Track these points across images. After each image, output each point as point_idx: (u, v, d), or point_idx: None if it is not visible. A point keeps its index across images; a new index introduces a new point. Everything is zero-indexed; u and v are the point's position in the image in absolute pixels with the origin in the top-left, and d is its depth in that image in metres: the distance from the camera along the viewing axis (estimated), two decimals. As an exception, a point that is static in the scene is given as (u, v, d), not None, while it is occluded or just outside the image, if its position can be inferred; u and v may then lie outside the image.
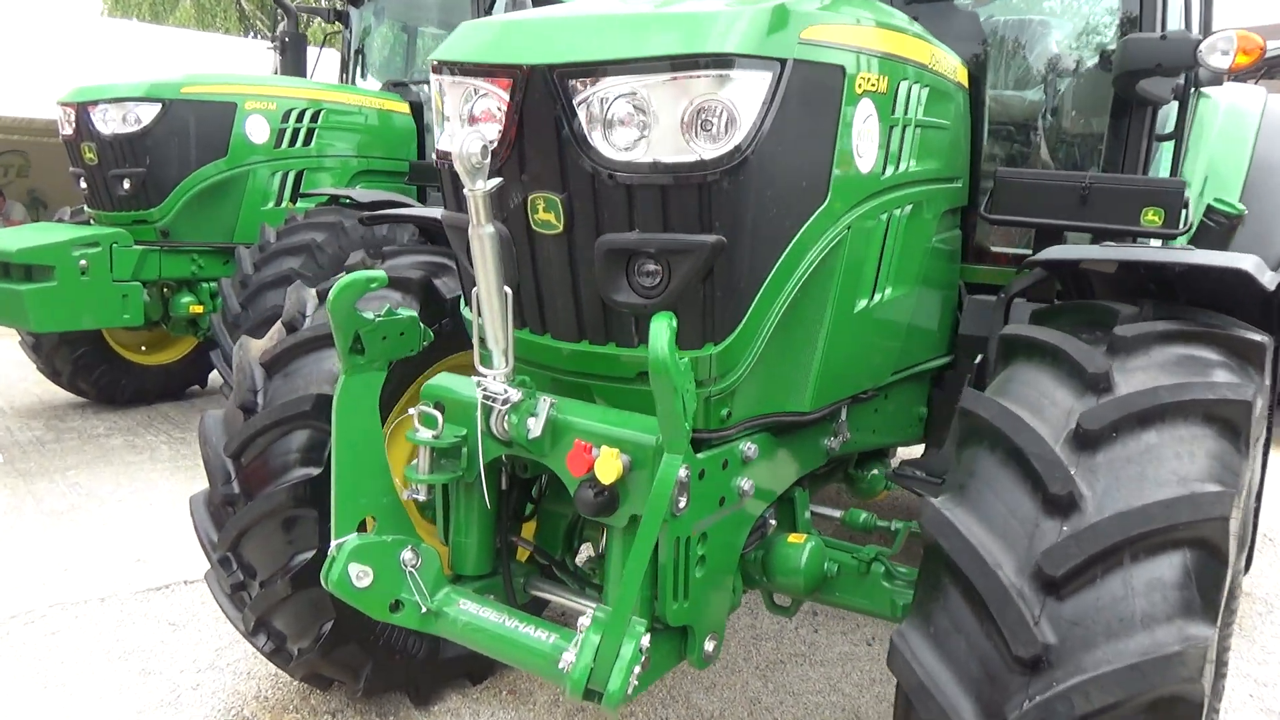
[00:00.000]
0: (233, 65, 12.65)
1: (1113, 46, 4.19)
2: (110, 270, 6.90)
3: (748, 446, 2.64)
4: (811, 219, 2.59)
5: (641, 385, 2.54)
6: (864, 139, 2.78)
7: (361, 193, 7.26)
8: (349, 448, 2.66)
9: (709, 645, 2.67)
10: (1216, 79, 4.05)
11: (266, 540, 3.31)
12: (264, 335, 6.30)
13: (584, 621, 2.32)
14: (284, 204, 7.77)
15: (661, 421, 2.12)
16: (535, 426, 2.41)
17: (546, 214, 2.42)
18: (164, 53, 15.55)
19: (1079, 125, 4.60)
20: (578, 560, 3.24)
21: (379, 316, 2.67)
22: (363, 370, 2.68)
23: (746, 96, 2.25)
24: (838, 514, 3.34)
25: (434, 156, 2.72)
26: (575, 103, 2.30)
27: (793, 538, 2.95)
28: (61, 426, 7.68)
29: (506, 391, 2.40)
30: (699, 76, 2.22)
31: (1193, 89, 4.00)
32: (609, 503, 2.35)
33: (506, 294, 2.37)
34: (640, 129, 2.27)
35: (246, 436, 3.29)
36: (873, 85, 2.76)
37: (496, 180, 2.29)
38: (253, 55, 14.67)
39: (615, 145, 2.30)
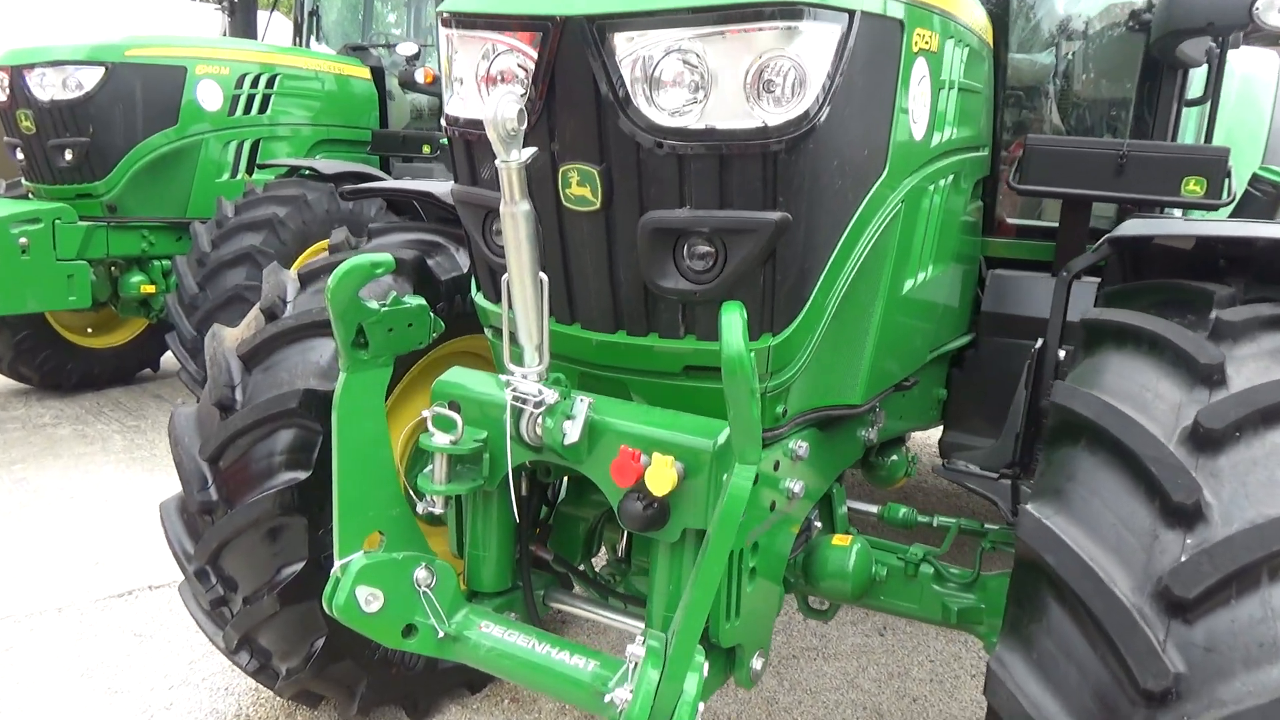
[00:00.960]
0: (179, 28, 11.98)
1: (1140, 4, 3.97)
2: (54, 249, 6.40)
3: (798, 445, 2.39)
4: (871, 192, 2.33)
5: (687, 381, 2.27)
6: (918, 102, 2.52)
7: (325, 164, 6.86)
8: (353, 455, 2.35)
9: (757, 664, 2.43)
10: (1271, 39, 3.84)
11: (250, 552, 2.99)
12: (229, 318, 5.92)
13: (634, 650, 2.05)
14: (240, 176, 7.31)
15: (734, 426, 1.84)
16: (573, 431, 2.12)
17: (581, 188, 2.13)
18: (103, 12, 14.65)
19: (1095, 90, 4.39)
20: (595, 566, 2.98)
21: (384, 305, 2.35)
22: (367, 366, 2.36)
23: (816, 52, 1.97)
24: (874, 509, 3.11)
25: (442, 123, 2.40)
26: (617, 60, 1.99)
27: (837, 539, 2.71)
28: (3, 416, 7.19)
29: (541, 393, 2.11)
30: (763, 29, 1.93)
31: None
32: (659, 516, 2.09)
33: (542, 281, 2.07)
34: (693, 90, 1.98)
35: (225, 438, 2.95)
36: (926, 43, 2.50)
37: (531, 150, 1.98)
38: (199, 18, 13.91)
39: (664, 109, 2.01)
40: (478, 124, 2.24)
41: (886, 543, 2.84)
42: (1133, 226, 2.41)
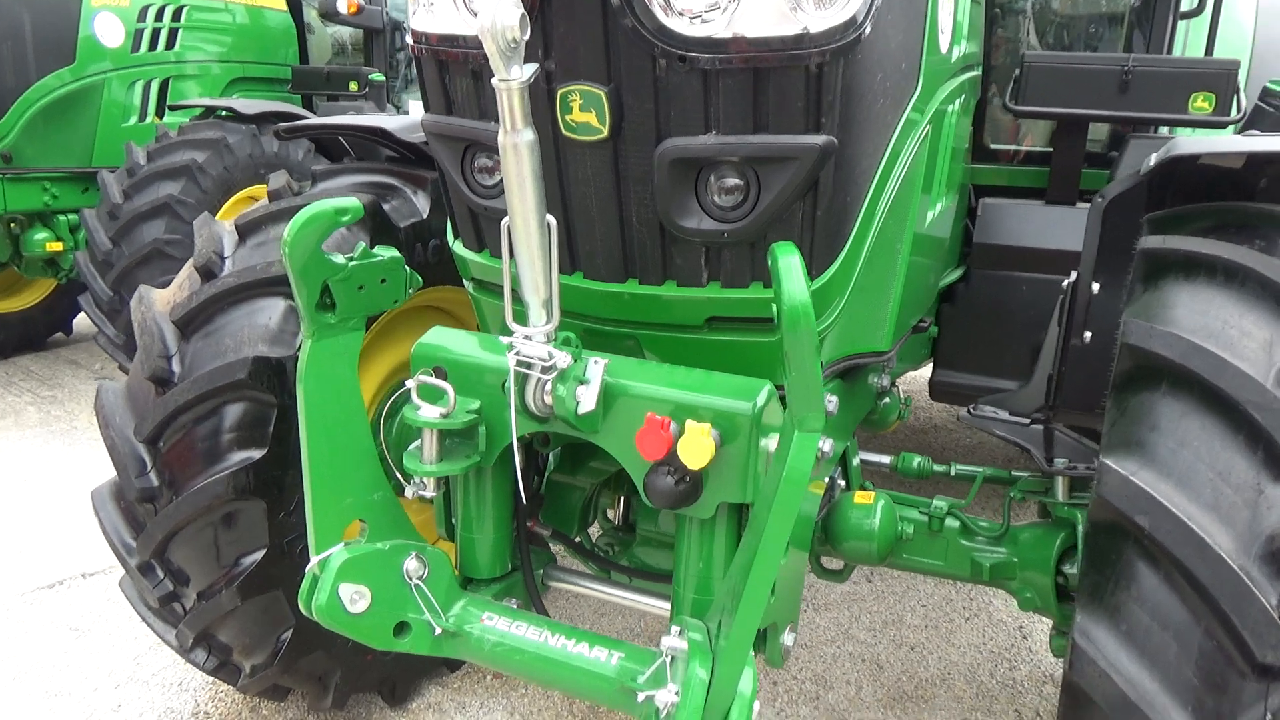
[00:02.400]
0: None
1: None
2: (-58, 206, 5.79)
3: (829, 400, 2.14)
4: (906, 112, 2.07)
5: (709, 334, 2.00)
6: (944, 12, 2.26)
7: (245, 103, 6.32)
8: (325, 435, 2.03)
9: (788, 639, 2.21)
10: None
11: (202, 541, 2.65)
12: (148, 276, 5.42)
13: (672, 644, 1.80)
14: (149, 119, 6.71)
15: (796, 387, 1.58)
16: (587, 398, 1.83)
17: (584, 114, 1.81)
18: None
19: (1085, 4, 4.17)
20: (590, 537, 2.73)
21: (352, 259, 2.02)
22: (334, 331, 2.03)
23: (864, -57, 1.68)
24: (886, 460, 2.90)
25: (408, 40, 2.04)
26: None
27: (860, 497, 2.49)
28: (-100, 391, 6.57)
29: (551, 356, 1.81)
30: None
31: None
32: (692, 491, 1.82)
33: (550, 225, 1.76)
34: (720, -9, 1.67)
35: (164, 416, 2.59)
36: (951, -56, 2.23)
37: (534, 67, 1.65)
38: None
39: (683, 15, 1.70)
40: (454, 40, 1.90)
41: (908, 497, 2.64)
42: (1185, 145, 2.19)
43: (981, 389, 3.61)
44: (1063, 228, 3.41)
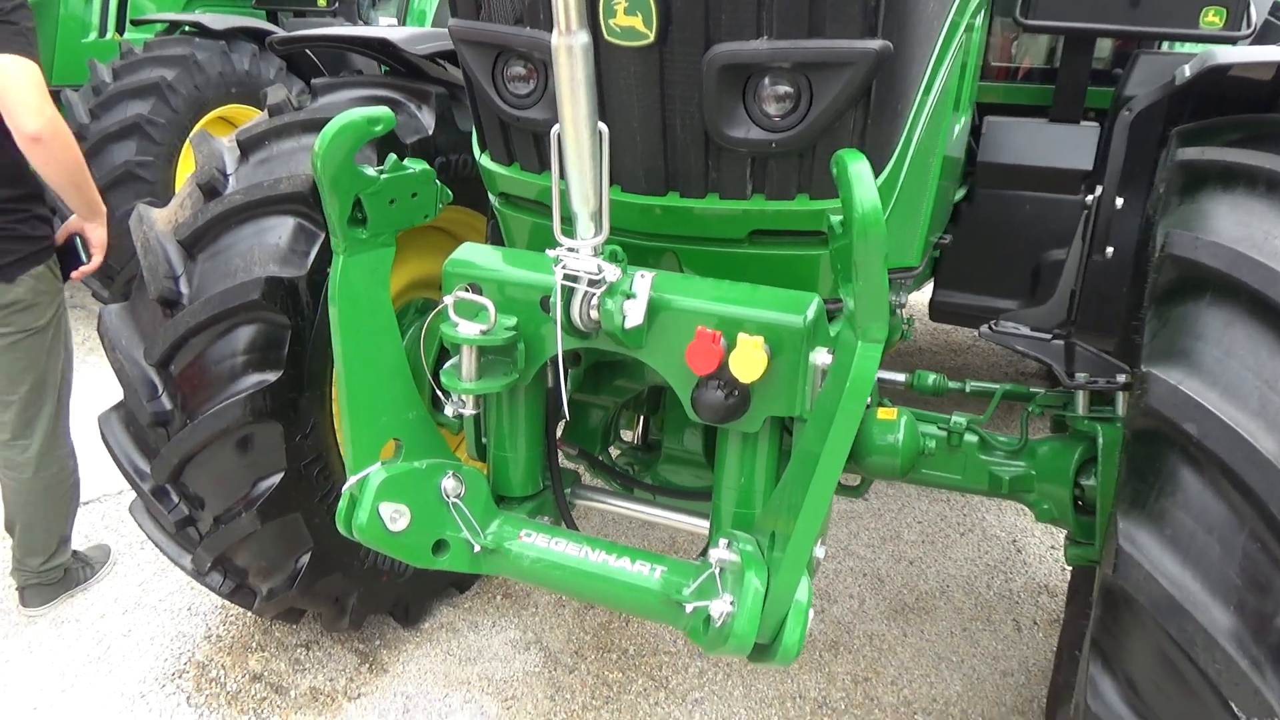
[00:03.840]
0: None
1: None
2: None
3: None
4: (950, 16, 2.02)
5: (753, 249, 1.98)
6: None
7: (213, 18, 6.06)
8: (359, 354, 1.99)
9: (819, 551, 2.24)
10: None
11: (218, 465, 2.61)
12: (121, 199, 5.24)
13: (722, 555, 1.82)
14: (110, 35, 6.40)
15: (864, 297, 1.56)
16: (635, 312, 1.81)
17: (629, 17, 1.75)
18: None
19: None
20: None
21: (384, 172, 1.95)
22: (366, 247, 1.98)
23: None
24: (901, 378, 2.92)
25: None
26: None
27: (883, 413, 2.51)
28: None
29: (600, 270, 1.77)
30: None
31: None
32: (741, 404, 1.82)
33: (601, 133, 1.71)
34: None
35: (175, 338, 2.52)
36: None
37: None
38: None
39: (739, -88, 1.63)
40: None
41: (928, 413, 2.67)
42: (1222, 56, 2.17)
43: (983, 309, 3.63)
44: (1068, 145, 3.40)
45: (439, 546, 2.08)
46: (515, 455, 2.23)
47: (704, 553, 2.23)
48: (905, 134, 1.92)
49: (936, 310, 3.78)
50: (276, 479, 2.63)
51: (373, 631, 3.30)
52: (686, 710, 3.02)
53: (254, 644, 3.24)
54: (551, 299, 1.83)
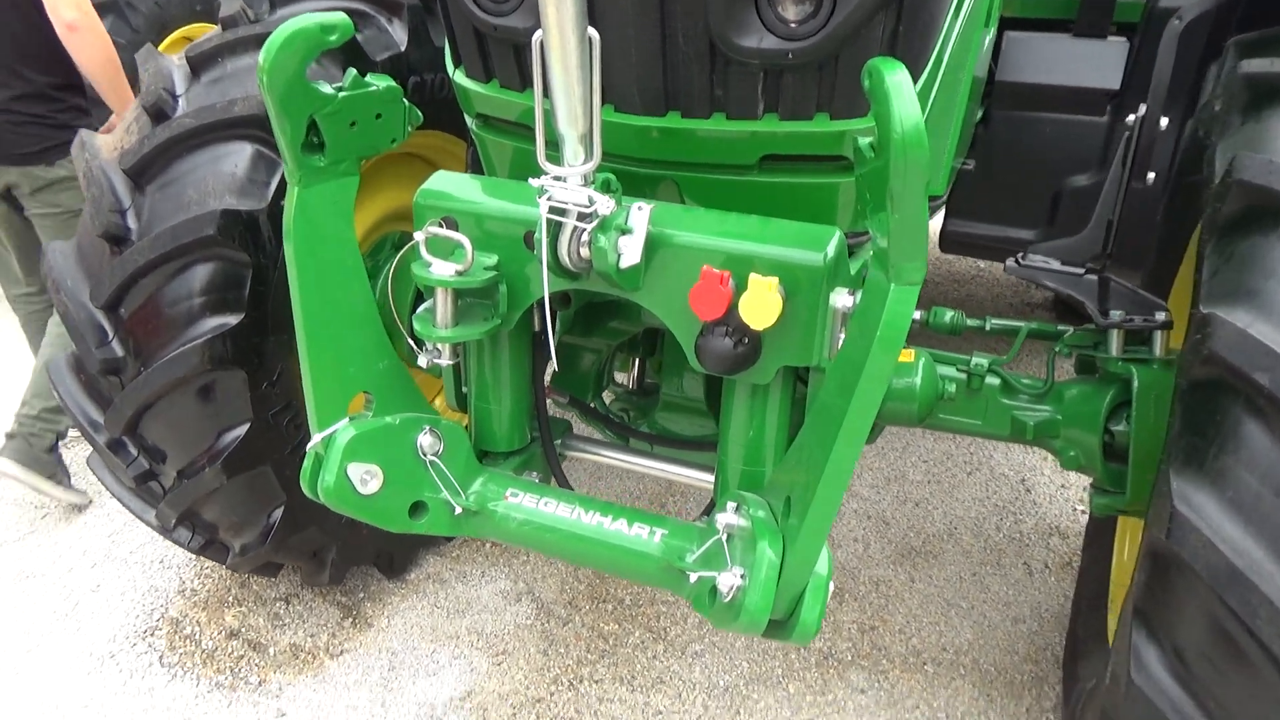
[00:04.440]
0: None
1: None
2: None
3: None
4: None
5: (762, 176, 1.75)
6: None
7: (171, -73, 5.62)
8: (320, 297, 1.77)
9: None
10: None
11: (178, 416, 2.41)
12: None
13: (730, 520, 1.64)
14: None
15: (901, 230, 1.33)
16: (631, 249, 1.59)
17: (623, -97, 1.49)
18: None
19: None
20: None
21: (342, 89, 1.71)
22: (325, 176, 1.74)
23: None
24: (916, 315, 2.72)
25: None
26: None
27: (901, 355, 2.31)
28: None
29: (592, 201, 1.55)
30: None
31: None
32: (751, 353, 1.61)
33: (591, 41, 1.46)
34: None
35: (123, 279, 2.29)
36: None
37: None
38: None
39: None
40: None
41: (946, 354, 2.47)
42: None
43: (998, 240, 3.41)
44: (1094, 63, 3.14)
45: (416, 509, 1.90)
46: (499, 407, 2.03)
47: (707, 512, 2.05)
48: (938, 46, 1.68)
49: (947, 241, 3.56)
50: (242, 430, 2.43)
51: (356, 584, 3.15)
52: (686, 663, 2.88)
53: (230, 598, 3.08)
54: (536, 235, 1.60)
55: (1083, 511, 3.75)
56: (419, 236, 1.70)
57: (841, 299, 1.61)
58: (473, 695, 2.75)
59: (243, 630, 2.96)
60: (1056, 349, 2.46)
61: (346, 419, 1.83)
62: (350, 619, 3.02)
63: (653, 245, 1.62)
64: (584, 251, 1.62)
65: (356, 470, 1.78)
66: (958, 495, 3.78)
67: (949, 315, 2.64)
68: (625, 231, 1.59)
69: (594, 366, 2.39)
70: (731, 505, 1.67)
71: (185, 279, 2.31)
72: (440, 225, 1.74)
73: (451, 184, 1.86)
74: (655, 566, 1.78)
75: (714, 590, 1.64)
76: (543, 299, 1.67)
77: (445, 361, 1.88)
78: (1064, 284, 2.34)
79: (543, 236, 1.58)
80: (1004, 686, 2.88)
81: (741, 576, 1.55)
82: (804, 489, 1.51)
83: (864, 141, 1.40)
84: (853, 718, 2.73)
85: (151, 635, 2.93)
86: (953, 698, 2.83)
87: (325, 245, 1.78)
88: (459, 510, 1.90)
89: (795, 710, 2.75)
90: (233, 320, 2.32)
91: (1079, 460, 2.38)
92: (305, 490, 1.86)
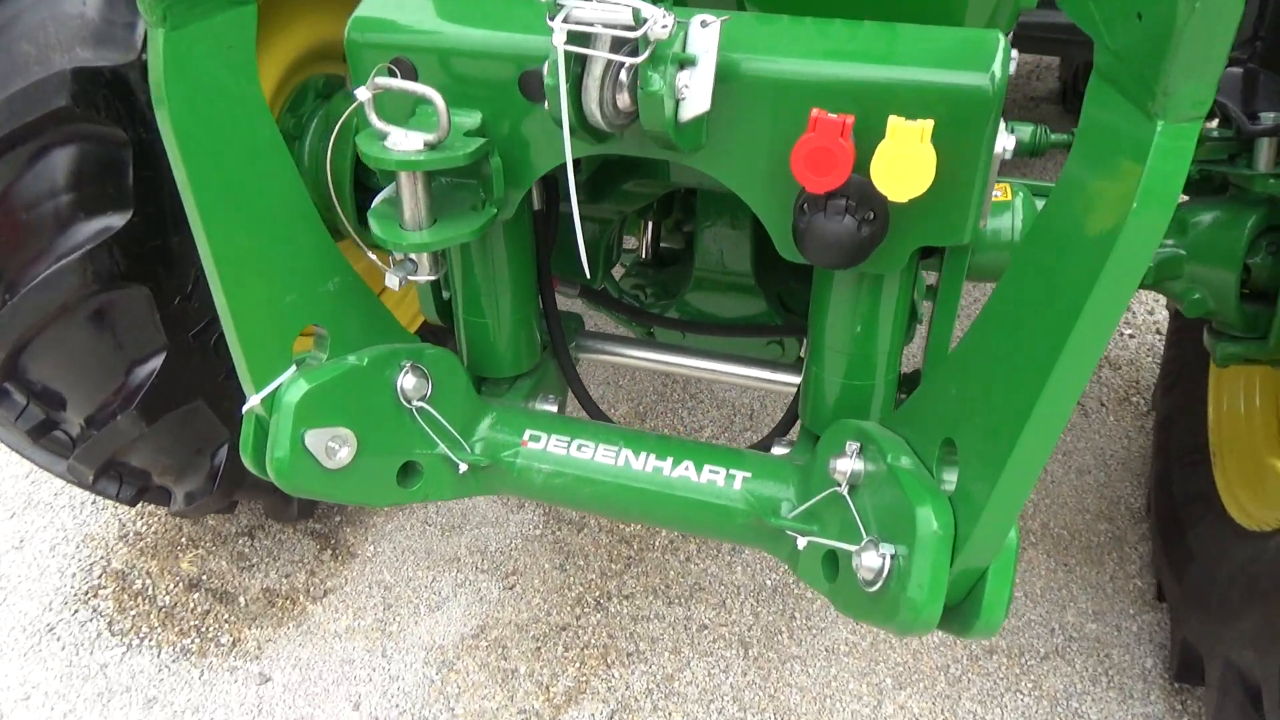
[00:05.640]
0: None
1: None
2: None
3: None
4: None
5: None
6: None
7: None
8: (224, 191, 1.20)
9: None
10: None
11: (69, 352, 1.86)
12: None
13: (850, 466, 1.17)
14: None
15: (1187, 35, 0.79)
16: (698, 91, 1.03)
17: None
18: None
19: None
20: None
21: None
22: (202, 9, 1.13)
23: None
24: None
25: None
26: None
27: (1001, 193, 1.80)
28: None
29: (641, 20, 0.97)
30: None
31: None
32: (879, 233, 1.10)
33: None
34: None
35: (-47, 177, 1.68)
36: None
37: None
38: None
39: None
40: None
41: (1043, 184, 1.96)
42: None
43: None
44: None
45: (407, 473, 1.41)
46: (497, 320, 1.51)
47: (778, 432, 1.59)
48: None
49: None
50: (157, 361, 1.89)
51: (329, 507, 2.68)
52: (724, 564, 2.51)
53: (184, 539, 2.61)
54: (547, 77, 1.04)
55: (1130, 336, 3.39)
56: (362, 95, 1.12)
57: (1004, 140, 1.09)
58: (486, 630, 2.36)
59: (204, 578, 2.51)
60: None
61: (293, 366, 1.30)
62: (329, 550, 2.58)
63: (726, 79, 1.07)
64: (622, 100, 1.05)
65: (318, 439, 1.27)
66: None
67: (1029, 131, 2.11)
68: (687, 63, 1.03)
69: (603, 240, 1.85)
70: (852, 446, 1.20)
71: (41, 171, 1.71)
72: (393, 73, 1.16)
73: (400, 5, 1.25)
74: (739, 523, 1.33)
75: (832, 560, 1.20)
76: (561, 170, 1.12)
77: (424, 277, 1.34)
78: None
79: (560, 81, 1.01)
80: (1080, 552, 2.56)
81: (893, 556, 1.10)
82: (987, 433, 1.04)
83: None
84: (923, 609, 2.40)
85: (95, 596, 2.47)
86: (1027, 571, 2.51)
87: (218, 111, 1.19)
88: (464, 467, 1.41)
89: (858, 607, 2.40)
90: (118, 221, 1.75)
91: (1207, 304, 1.95)
92: (249, 466, 1.35)
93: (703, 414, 2.97)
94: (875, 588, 1.11)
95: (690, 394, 3.05)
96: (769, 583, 2.47)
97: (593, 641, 2.34)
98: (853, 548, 1.13)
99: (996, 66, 1.05)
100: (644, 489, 1.37)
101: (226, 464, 2.14)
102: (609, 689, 2.23)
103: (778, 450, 1.47)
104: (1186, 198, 2.02)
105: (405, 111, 1.23)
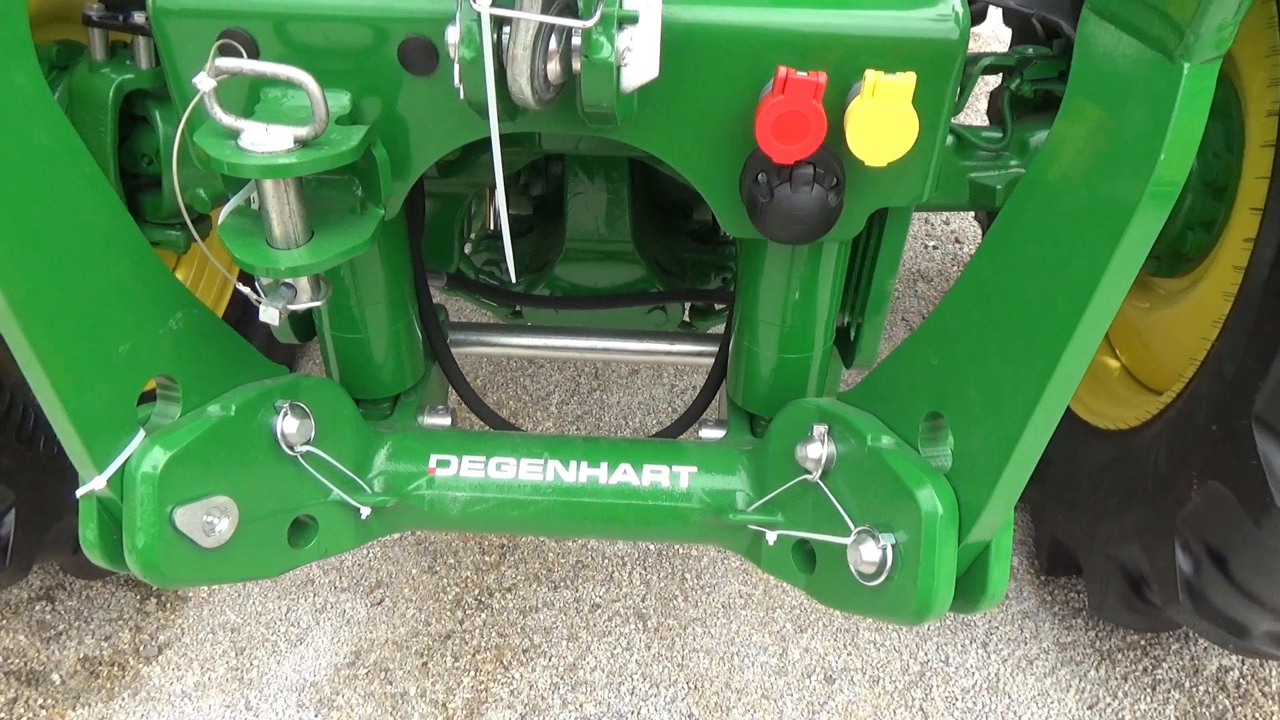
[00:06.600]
0: None
1: None
2: None
3: None
4: None
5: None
6: None
7: None
8: (24, 218, 0.91)
9: None
10: None
11: None
12: None
13: (824, 451, 1.08)
14: None
15: None
16: (643, 55, 0.87)
17: None
18: None
19: None
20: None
21: None
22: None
23: None
24: None
25: None
26: None
27: None
28: None
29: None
30: None
31: None
32: (842, 201, 1.00)
33: None
34: None
35: None
36: None
37: None
38: None
39: None
40: None
41: None
42: None
43: None
44: None
45: (298, 530, 1.18)
46: (377, 333, 1.28)
47: (695, 412, 1.49)
48: None
49: None
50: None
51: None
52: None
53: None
54: (462, 47, 0.84)
55: (934, 248, 3.54)
56: (203, 84, 0.86)
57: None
58: (362, 655, 2.14)
59: (3, 659, 2.10)
60: (1012, 86, 1.99)
61: (139, 431, 1.03)
62: (153, 599, 2.23)
63: (677, 39, 0.91)
64: (553, 69, 0.87)
65: (191, 515, 1.02)
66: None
67: None
68: (628, 20, 0.86)
69: (455, 220, 1.64)
70: (820, 429, 1.11)
71: None
72: (232, 51, 0.90)
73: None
74: (694, 522, 1.22)
75: (805, 551, 1.11)
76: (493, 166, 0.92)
77: (306, 304, 1.09)
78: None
79: (485, 51, 0.81)
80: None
81: (893, 546, 1.02)
82: (988, 404, 0.97)
83: None
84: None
85: None
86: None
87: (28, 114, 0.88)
88: (365, 512, 1.19)
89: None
90: None
91: None
92: (98, 561, 1.08)
93: (626, 401, 2.74)
94: (877, 581, 1.03)
95: (601, 384, 2.83)
96: (653, 548, 2.39)
97: (483, 644, 2.17)
98: (843, 540, 1.05)
99: (958, 5, 0.95)
100: (581, 503, 1.22)
101: (16, 530, 1.77)
102: (512, 692, 2.08)
103: (708, 434, 1.36)
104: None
105: (240, 100, 0.98)
